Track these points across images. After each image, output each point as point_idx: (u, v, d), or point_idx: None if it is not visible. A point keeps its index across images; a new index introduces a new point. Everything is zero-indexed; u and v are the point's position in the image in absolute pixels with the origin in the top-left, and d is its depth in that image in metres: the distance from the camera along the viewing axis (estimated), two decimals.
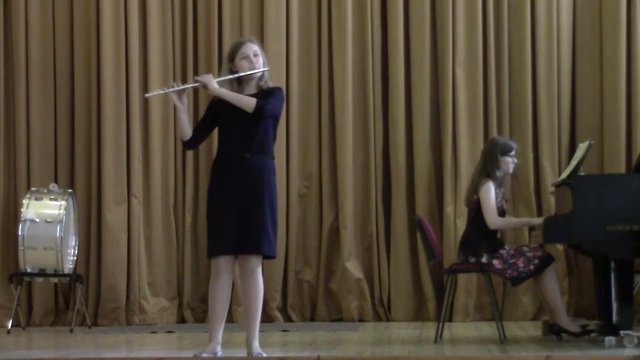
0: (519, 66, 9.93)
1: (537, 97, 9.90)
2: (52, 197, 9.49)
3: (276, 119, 6.56)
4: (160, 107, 10.01)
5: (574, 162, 7.71)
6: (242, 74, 6.52)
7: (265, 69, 6.60)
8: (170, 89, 6.58)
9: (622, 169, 9.57)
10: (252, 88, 6.57)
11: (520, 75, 9.92)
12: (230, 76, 6.54)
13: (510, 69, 9.96)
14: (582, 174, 7.54)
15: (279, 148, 9.87)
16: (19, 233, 9.36)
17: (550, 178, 9.66)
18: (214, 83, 6.48)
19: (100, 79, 10.02)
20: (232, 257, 6.48)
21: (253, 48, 6.56)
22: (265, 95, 6.49)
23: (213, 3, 10.10)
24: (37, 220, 9.37)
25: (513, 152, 7.78)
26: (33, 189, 9.69)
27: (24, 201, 9.49)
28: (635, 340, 7.00)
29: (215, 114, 6.59)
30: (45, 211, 9.41)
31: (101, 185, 9.99)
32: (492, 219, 7.62)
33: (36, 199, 9.46)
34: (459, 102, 9.90)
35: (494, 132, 9.76)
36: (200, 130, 6.68)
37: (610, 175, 8.80)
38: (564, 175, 7.77)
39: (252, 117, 6.41)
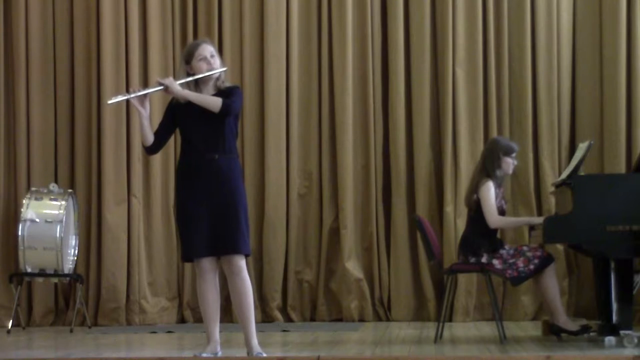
0: (519, 66, 9.93)
1: (537, 97, 9.90)
2: (52, 197, 9.49)
3: (237, 117, 6.57)
4: (160, 107, 9.96)
5: (574, 162, 7.71)
6: (201, 75, 6.50)
7: (224, 69, 6.59)
8: (132, 95, 6.53)
9: (622, 169, 9.57)
10: (209, 89, 6.54)
11: (520, 75, 9.92)
12: (190, 78, 6.50)
13: (510, 69, 9.95)
14: (582, 174, 7.55)
15: (279, 148, 9.95)
16: (19, 233, 9.37)
17: (550, 178, 9.66)
18: (176, 86, 6.44)
19: (100, 78, 10.02)
20: (215, 257, 6.49)
21: (209, 49, 6.55)
22: (225, 94, 6.48)
23: (213, 3, 10.09)
24: (37, 220, 9.37)
25: (514, 154, 7.79)
26: (33, 189, 9.70)
27: (24, 201, 9.49)
28: (635, 340, 7.01)
29: (175, 116, 6.56)
30: (45, 211, 9.41)
31: (101, 185, 9.99)
32: (493, 219, 7.62)
33: (36, 199, 9.46)
34: (459, 102, 9.90)
35: (494, 132, 9.76)
36: (162, 134, 6.61)
37: (610, 175, 8.80)
38: (564, 175, 7.77)
39: (217, 117, 6.40)
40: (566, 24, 9.94)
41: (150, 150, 6.63)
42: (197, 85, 6.53)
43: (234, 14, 10.11)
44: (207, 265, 6.48)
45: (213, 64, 6.52)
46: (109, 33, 10.02)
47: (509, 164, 7.77)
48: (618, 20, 9.76)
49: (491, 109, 9.91)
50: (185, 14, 10.14)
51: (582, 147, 7.75)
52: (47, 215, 9.39)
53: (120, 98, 6.74)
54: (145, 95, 6.53)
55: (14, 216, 9.93)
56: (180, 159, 6.60)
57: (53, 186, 9.63)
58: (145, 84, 9.96)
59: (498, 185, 7.74)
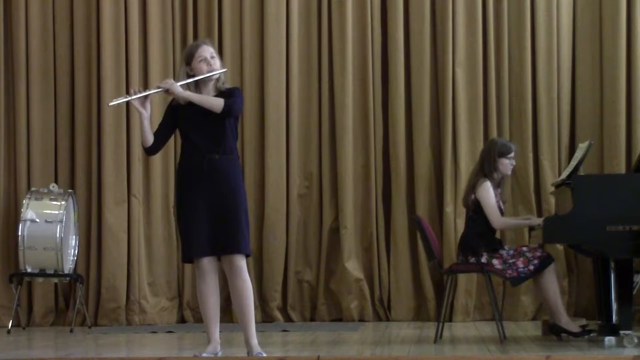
0: (519, 66, 9.93)
1: (537, 97, 9.90)
2: (52, 197, 9.50)
3: (237, 118, 6.58)
4: (160, 107, 9.98)
5: (574, 162, 7.71)
6: (201, 76, 6.50)
7: (224, 70, 6.60)
8: (133, 96, 6.52)
9: (622, 169, 9.58)
10: (210, 90, 6.54)
11: (520, 75, 9.92)
12: (191, 80, 6.51)
13: (510, 69, 9.95)
14: (582, 174, 7.55)
15: (279, 148, 9.95)
16: (19, 233, 9.37)
17: (550, 178, 9.66)
18: (177, 87, 6.45)
19: (100, 79, 10.02)
20: (215, 257, 6.50)
21: (209, 50, 6.56)
22: (225, 96, 6.48)
23: (213, 3, 10.10)
24: (37, 220, 9.37)
25: (511, 154, 7.77)
26: (33, 189, 9.70)
27: (24, 201, 9.49)
28: (635, 340, 7.01)
29: (176, 117, 6.56)
30: (45, 211, 9.41)
31: (101, 185, 9.99)
32: (496, 219, 7.62)
33: (36, 199, 9.46)
34: (459, 102, 9.91)
35: (494, 132, 9.77)
36: (162, 135, 6.62)
37: (610, 175, 8.81)
38: (564, 175, 7.77)
39: (217, 117, 6.40)
40: (566, 24, 9.94)
41: (150, 150, 6.63)
42: (197, 86, 6.53)
43: (234, 14, 10.11)
44: (207, 266, 6.48)
45: (213, 65, 6.53)
46: (109, 33, 10.02)
47: (506, 165, 7.76)
48: (618, 20, 9.76)
49: (491, 109, 9.91)
50: (185, 14, 10.14)
51: (582, 147, 7.75)
52: (47, 215, 9.39)
53: (121, 100, 6.75)
54: (146, 96, 6.54)
55: (14, 216, 9.94)
56: (181, 159, 6.60)
57: (53, 186, 9.63)
58: (145, 84, 9.97)
59: (496, 186, 7.73)
